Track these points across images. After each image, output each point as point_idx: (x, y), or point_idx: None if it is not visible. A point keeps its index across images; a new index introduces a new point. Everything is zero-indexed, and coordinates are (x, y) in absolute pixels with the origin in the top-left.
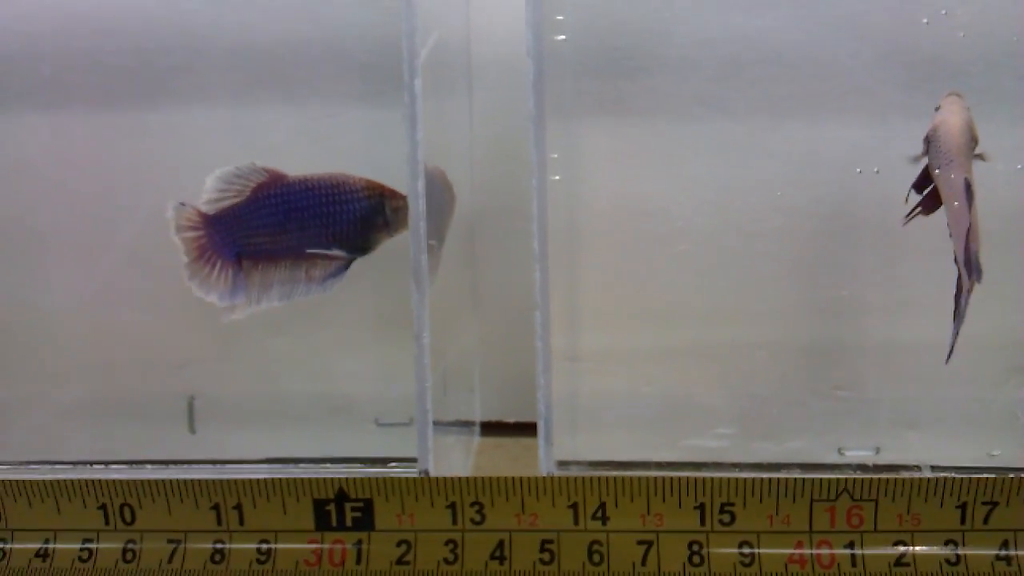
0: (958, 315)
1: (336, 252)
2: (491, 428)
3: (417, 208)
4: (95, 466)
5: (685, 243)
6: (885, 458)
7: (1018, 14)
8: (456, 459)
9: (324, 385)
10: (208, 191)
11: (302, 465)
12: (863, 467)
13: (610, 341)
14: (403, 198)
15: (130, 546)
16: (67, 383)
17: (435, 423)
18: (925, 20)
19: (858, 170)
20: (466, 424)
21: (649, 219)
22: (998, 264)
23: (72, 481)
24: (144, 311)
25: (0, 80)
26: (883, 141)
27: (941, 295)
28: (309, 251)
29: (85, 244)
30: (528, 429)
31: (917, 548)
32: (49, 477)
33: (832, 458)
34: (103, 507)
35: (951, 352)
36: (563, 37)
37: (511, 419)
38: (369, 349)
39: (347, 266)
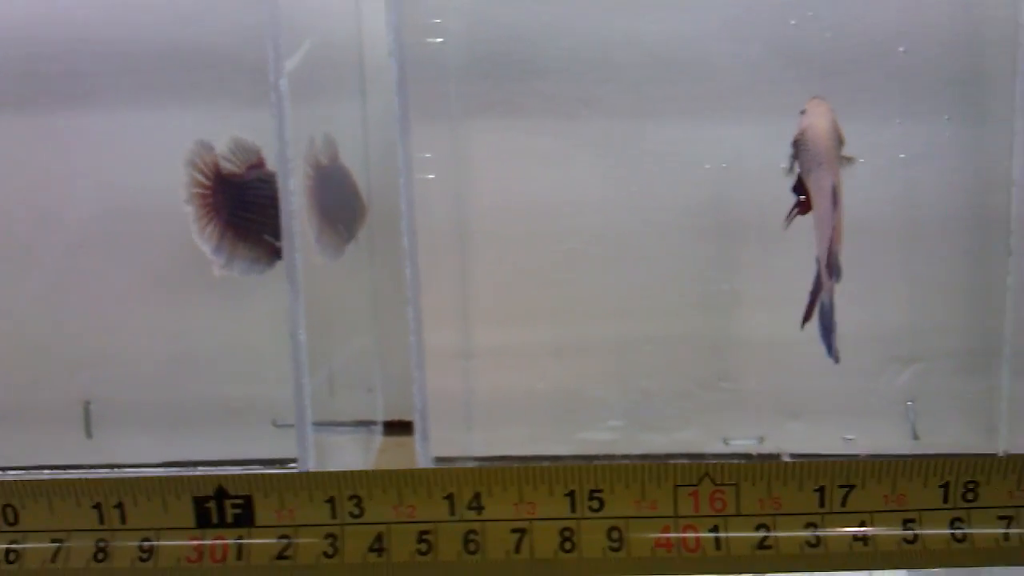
0: (817, 312)
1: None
2: (395, 427)
3: (288, 207)
4: None
5: (573, 241)
6: (768, 447)
7: (881, 14)
8: (352, 458)
9: (221, 387)
10: (223, 151)
11: (187, 467)
12: (746, 456)
13: (503, 338)
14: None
15: (13, 546)
16: None
17: (326, 423)
18: (793, 21)
19: (736, 166)
20: (365, 424)
21: (538, 218)
22: (875, 257)
23: None
24: (38, 313)
25: None
26: (760, 140)
27: None
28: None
29: None
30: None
31: (779, 531)
32: None
33: (718, 448)
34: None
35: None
36: (440, 40)
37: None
38: (266, 350)
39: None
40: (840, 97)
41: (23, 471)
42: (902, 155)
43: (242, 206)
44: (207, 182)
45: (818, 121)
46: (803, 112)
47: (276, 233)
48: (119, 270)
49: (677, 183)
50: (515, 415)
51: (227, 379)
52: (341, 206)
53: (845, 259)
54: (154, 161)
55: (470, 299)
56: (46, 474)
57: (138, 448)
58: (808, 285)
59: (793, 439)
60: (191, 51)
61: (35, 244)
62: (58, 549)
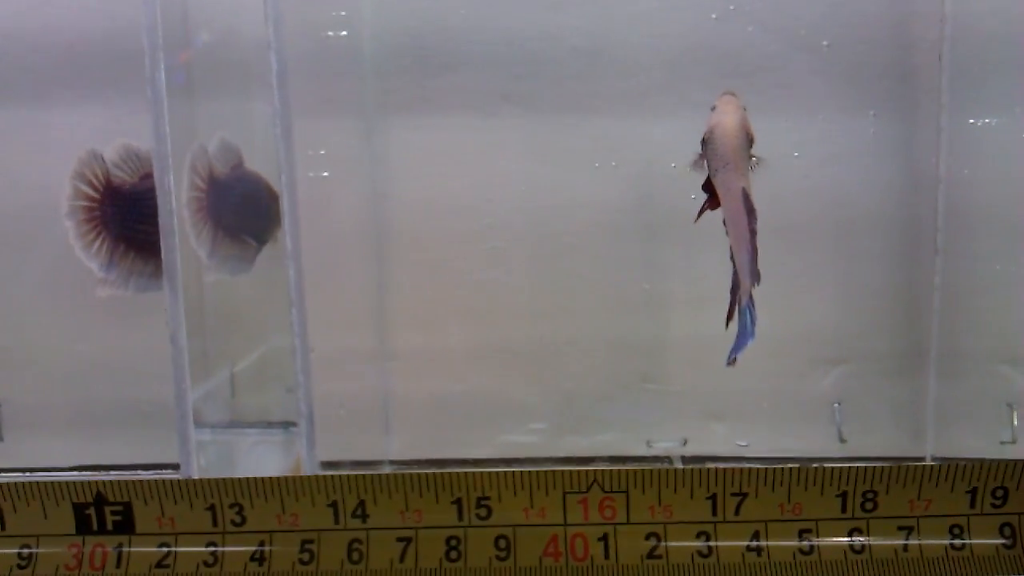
0: (738, 313)
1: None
2: None
3: (168, 204)
4: None
5: (495, 240)
6: (691, 449)
7: (804, 8)
8: (269, 460)
9: (133, 390)
10: (111, 159)
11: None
12: (668, 459)
13: (422, 340)
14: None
15: None
16: None
17: (230, 425)
18: (714, 15)
19: (659, 164)
20: (285, 424)
21: (458, 216)
22: (800, 256)
23: None
24: None
25: None
26: (682, 138)
27: None
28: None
29: None
30: None
31: (670, 541)
32: None
33: (641, 450)
34: None
35: (734, 351)
36: (344, 33)
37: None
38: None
39: None
40: (763, 93)
41: None
42: (829, 152)
43: (137, 218)
44: (95, 194)
45: (726, 119)
46: (713, 108)
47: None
48: (26, 269)
49: (598, 181)
50: (435, 418)
51: (138, 381)
52: (248, 216)
53: (770, 257)
54: (55, 156)
55: (387, 300)
56: None
57: (50, 451)
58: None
59: (717, 441)
60: (104, 44)
61: None
62: None
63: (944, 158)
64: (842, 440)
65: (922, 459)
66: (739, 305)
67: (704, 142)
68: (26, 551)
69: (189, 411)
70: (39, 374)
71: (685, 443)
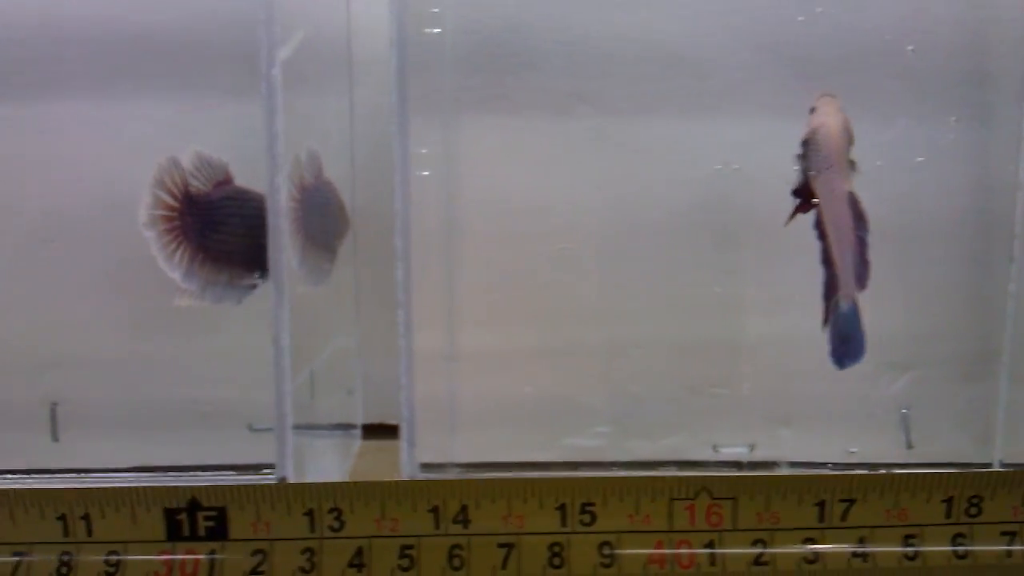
0: (835, 316)
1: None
2: (374, 431)
3: (276, 204)
4: None
5: (564, 241)
6: (759, 455)
7: (890, 12)
8: (330, 463)
9: (195, 390)
10: (189, 168)
11: (158, 473)
12: (736, 464)
13: (490, 341)
14: None
15: None
16: None
17: (304, 427)
18: (801, 18)
19: (735, 167)
20: (344, 427)
21: (529, 217)
22: (873, 260)
23: None
24: (2, 311)
25: None
26: (759, 140)
27: (814, 292)
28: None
29: None
30: None
31: (776, 547)
32: None
33: (707, 455)
34: None
35: (842, 356)
36: (438, 30)
37: (395, 421)
38: (241, 352)
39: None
40: (844, 96)
41: None
42: (908, 156)
43: (212, 228)
44: (175, 203)
45: (830, 120)
46: (813, 110)
47: (250, 256)
48: (87, 266)
49: (672, 183)
50: (500, 420)
51: (200, 381)
52: (325, 226)
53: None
54: (123, 153)
55: (456, 300)
56: (8, 479)
57: (106, 452)
58: (806, 289)
59: (784, 446)
60: (165, 37)
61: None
62: (18, 563)
63: (1023, 164)
64: (909, 446)
65: (989, 465)
66: (838, 308)
67: (805, 143)
68: (114, 558)
69: (288, 413)
70: (95, 374)
71: (752, 448)
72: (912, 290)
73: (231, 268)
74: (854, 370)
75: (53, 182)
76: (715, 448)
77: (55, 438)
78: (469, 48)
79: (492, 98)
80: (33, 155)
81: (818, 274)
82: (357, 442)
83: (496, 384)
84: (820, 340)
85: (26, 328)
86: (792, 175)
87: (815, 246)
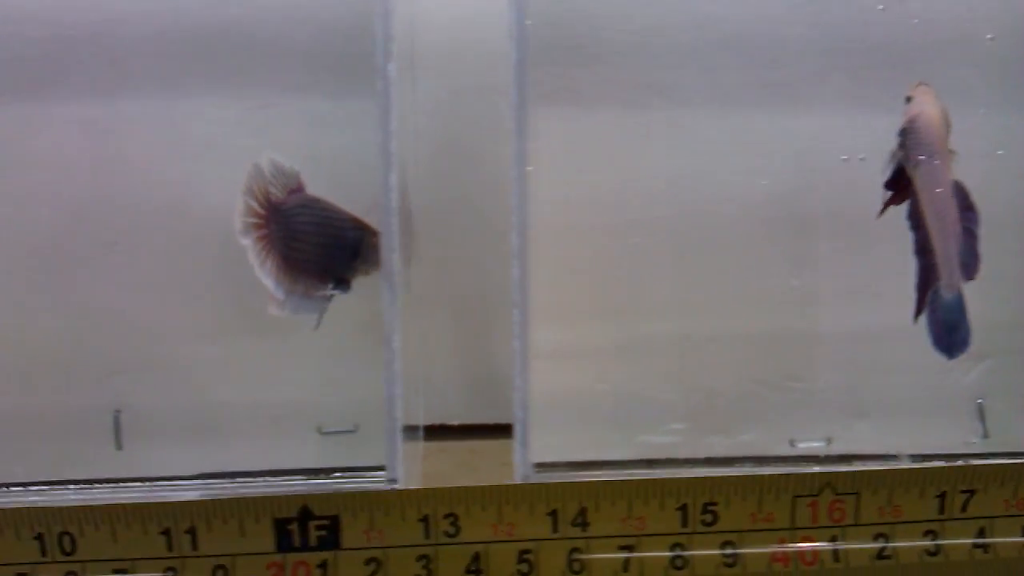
0: (930, 307)
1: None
2: (433, 432)
3: (390, 204)
4: (13, 489)
5: (637, 235)
6: (835, 448)
7: (969, 1)
8: (408, 467)
9: (260, 394)
10: (267, 176)
11: (226, 480)
12: (814, 458)
13: (562, 338)
14: (377, 235)
15: None
16: None
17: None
18: (881, 7)
19: (810, 157)
20: (410, 429)
21: (600, 211)
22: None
23: (1, 510)
24: (63, 317)
25: None
26: (836, 130)
27: (889, 283)
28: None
29: (5, 250)
30: (472, 432)
31: (897, 541)
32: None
33: (783, 450)
34: (39, 537)
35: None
36: (530, 22)
37: (455, 422)
38: (307, 355)
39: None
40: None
41: (48, 486)
42: (987, 147)
43: (289, 236)
44: (262, 211)
45: (929, 109)
46: (909, 99)
47: (324, 266)
48: (152, 269)
49: (746, 174)
50: (572, 418)
51: (264, 385)
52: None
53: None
54: (190, 153)
55: (528, 296)
56: (70, 489)
57: (172, 459)
58: (877, 279)
59: (861, 439)
60: (233, 33)
61: (64, 241)
62: None
63: None
64: (986, 436)
65: None
66: (940, 298)
67: (904, 132)
68: (220, 572)
69: (400, 417)
70: (158, 380)
71: (830, 442)
72: (986, 279)
73: (306, 278)
74: (930, 361)
75: (117, 183)
76: (792, 443)
77: (118, 446)
78: (539, 41)
79: (561, 91)
80: (97, 155)
81: (895, 265)
82: (421, 444)
83: (568, 382)
84: (895, 332)
85: (88, 334)
86: (864, 165)
87: (893, 236)
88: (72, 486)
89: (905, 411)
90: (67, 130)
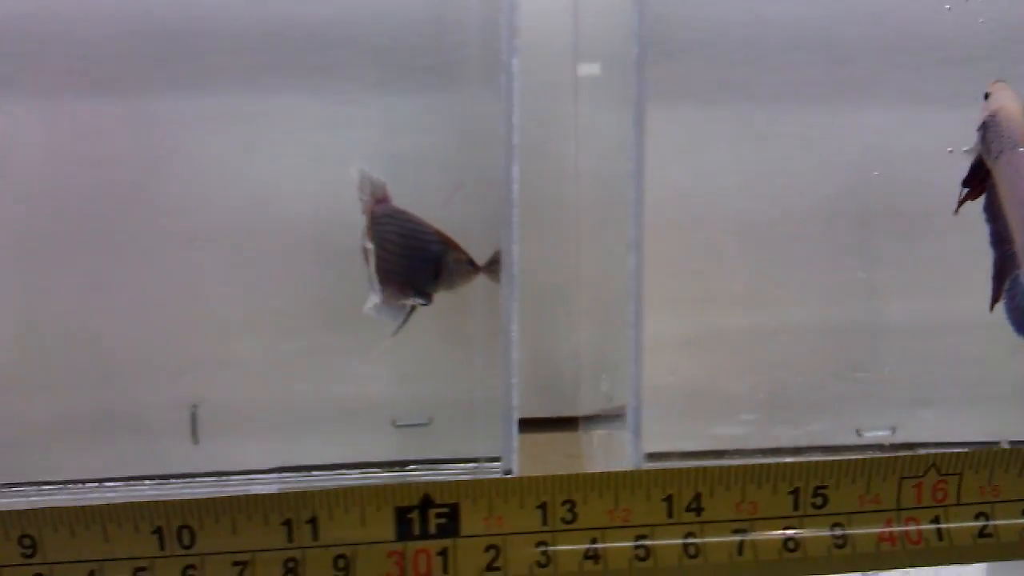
0: (1007, 295)
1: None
2: (524, 424)
3: (510, 195)
4: (118, 484)
5: (708, 229)
6: (900, 437)
7: None
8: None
9: (335, 387)
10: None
11: (302, 473)
12: (879, 447)
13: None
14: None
15: (190, 572)
16: (55, 393)
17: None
18: (948, 6)
19: (878, 153)
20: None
21: (671, 205)
22: None
23: (120, 504)
24: (141, 312)
25: None
26: (902, 126)
27: (954, 275)
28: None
29: (75, 242)
30: (561, 424)
31: (998, 519)
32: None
33: (851, 439)
34: (158, 531)
35: None
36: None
37: (544, 414)
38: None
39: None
40: (981, 84)
41: (121, 483)
42: None
43: (377, 245)
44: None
45: (1009, 103)
46: (987, 95)
47: (406, 277)
48: (228, 265)
49: (815, 170)
50: (645, 410)
51: (338, 378)
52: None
53: (980, 244)
54: (270, 152)
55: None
56: (146, 486)
57: (248, 453)
58: (942, 271)
59: (926, 428)
60: (310, 29)
61: (141, 236)
62: (241, 573)
63: None
64: None
65: None
66: (1020, 286)
67: (984, 126)
68: (342, 562)
69: (515, 407)
70: (235, 375)
71: (894, 430)
72: None
73: (389, 287)
74: (993, 350)
75: (196, 180)
76: (858, 432)
77: (195, 440)
78: (609, 38)
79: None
80: (176, 151)
81: (954, 256)
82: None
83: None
84: (959, 322)
85: (165, 329)
86: (933, 160)
87: (952, 228)
88: (147, 481)
89: (968, 399)
90: (145, 125)
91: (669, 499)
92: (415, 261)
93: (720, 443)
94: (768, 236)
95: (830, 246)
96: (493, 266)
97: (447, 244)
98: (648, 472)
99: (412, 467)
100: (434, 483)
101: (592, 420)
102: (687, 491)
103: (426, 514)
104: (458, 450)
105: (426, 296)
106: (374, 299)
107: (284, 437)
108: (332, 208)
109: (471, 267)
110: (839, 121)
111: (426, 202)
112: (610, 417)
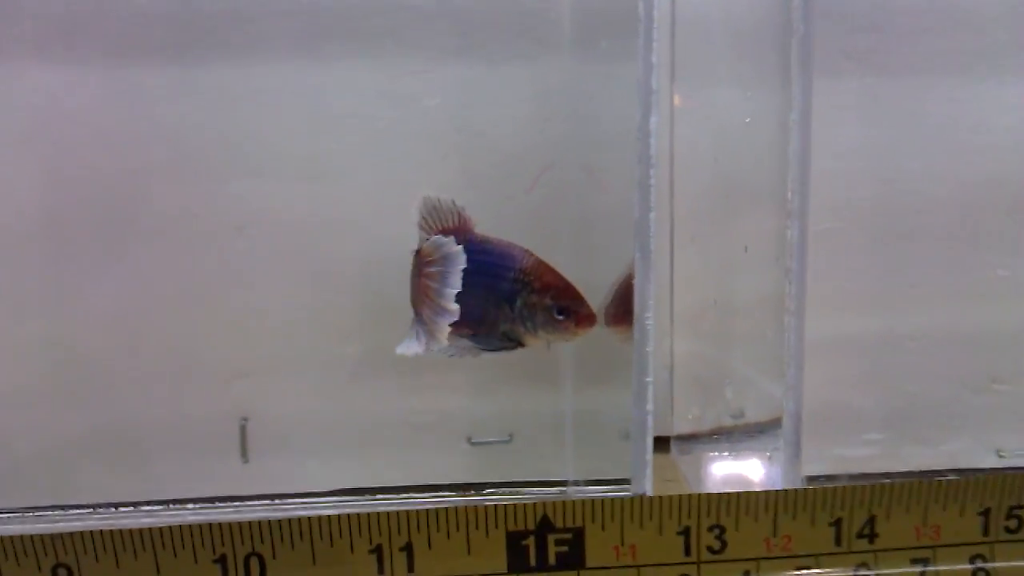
0: None
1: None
2: None
3: (649, 150)
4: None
5: (829, 220)
6: None
7: None
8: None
9: (402, 401)
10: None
11: (366, 496)
12: None
13: None
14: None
15: None
16: (86, 407)
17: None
18: None
19: (1007, 132)
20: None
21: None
22: None
23: (173, 527)
24: (183, 315)
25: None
26: None
27: None
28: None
29: (113, 233)
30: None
31: None
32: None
33: (990, 461)
34: (221, 559)
35: None
36: None
37: None
38: (453, 359)
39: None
40: None
41: (163, 506)
42: None
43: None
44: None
45: None
46: None
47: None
48: (282, 257)
49: (950, 151)
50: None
51: (405, 391)
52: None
53: None
54: (330, 130)
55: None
56: (189, 508)
57: (304, 473)
58: None
59: None
60: None
61: (183, 226)
62: None
63: None
64: None
65: None
66: None
67: None
68: None
69: (650, 409)
70: (289, 384)
71: None
72: None
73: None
74: None
75: (247, 159)
76: (999, 453)
77: (245, 459)
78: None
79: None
80: (229, 127)
81: None
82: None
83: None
84: None
85: (209, 331)
86: None
87: None
88: (191, 505)
89: None
90: (189, 98)
91: (838, 523)
92: (484, 301)
93: (842, 465)
94: (898, 228)
95: (968, 240)
96: (583, 318)
97: (527, 283)
98: (815, 492)
99: (489, 490)
100: (553, 502)
101: (691, 440)
102: (859, 514)
103: (544, 540)
104: (546, 470)
105: (510, 341)
106: (411, 346)
107: (344, 455)
108: (398, 197)
109: (558, 314)
110: (980, 97)
111: (506, 190)
112: (726, 435)
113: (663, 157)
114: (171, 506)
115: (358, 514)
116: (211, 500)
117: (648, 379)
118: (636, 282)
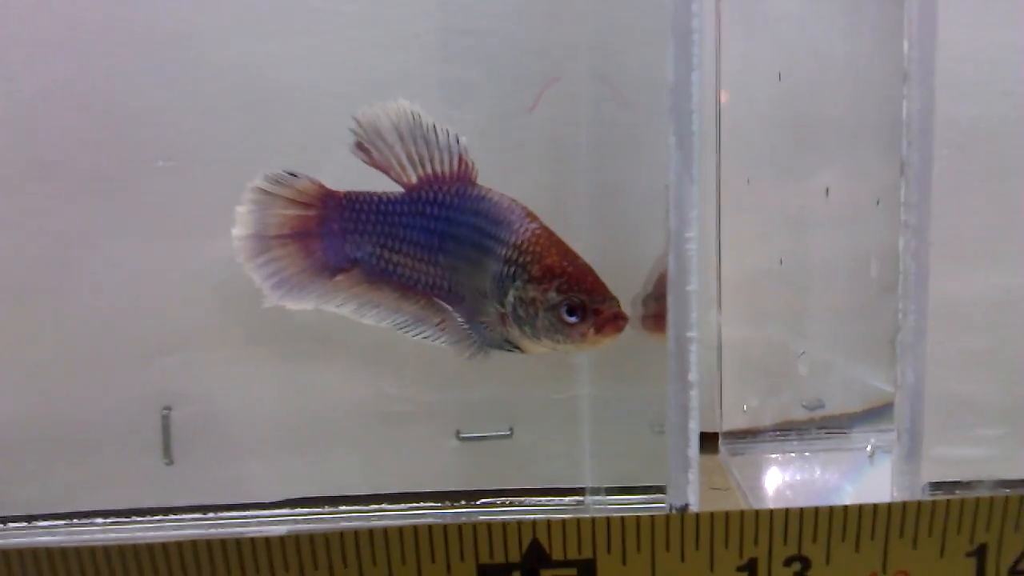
0: None
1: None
2: None
3: (691, 101)
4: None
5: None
6: None
7: None
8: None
9: (371, 384)
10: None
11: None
12: None
13: None
14: (555, 278)
15: None
16: None
17: None
18: None
19: None
20: None
21: None
22: None
23: (85, 548)
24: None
25: None
26: None
27: None
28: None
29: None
30: None
31: None
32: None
33: None
34: None
35: None
36: None
37: None
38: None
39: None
40: None
41: (64, 520)
42: None
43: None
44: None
45: None
46: None
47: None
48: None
49: None
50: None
51: (375, 371)
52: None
53: None
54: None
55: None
56: (97, 524)
57: (244, 479)
58: None
59: None
60: None
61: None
62: None
63: None
64: None
65: None
66: None
67: None
68: None
69: (695, 405)
70: (227, 364)
71: None
72: None
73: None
74: None
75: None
76: None
77: (168, 459)
78: None
79: None
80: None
81: None
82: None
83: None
84: None
85: (124, 298)
86: None
87: None
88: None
89: None
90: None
91: (980, 553)
92: (473, 276)
93: (950, 470)
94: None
95: None
96: (605, 321)
97: (521, 266)
98: (944, 504)
99: (485, 500)
100: (548, 524)
101: (747, 438)
102: (1014, 540)
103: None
104: (557, 474)
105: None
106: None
107: (295, 455)
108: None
109: (569, 315)
110: None
111: (504, 108)
112: (797, 430)
113: (706, 68)
114: (75, 521)
115: (311, 535)
116: (126, 513)
117: (692, 341)
118: (674, 305)
